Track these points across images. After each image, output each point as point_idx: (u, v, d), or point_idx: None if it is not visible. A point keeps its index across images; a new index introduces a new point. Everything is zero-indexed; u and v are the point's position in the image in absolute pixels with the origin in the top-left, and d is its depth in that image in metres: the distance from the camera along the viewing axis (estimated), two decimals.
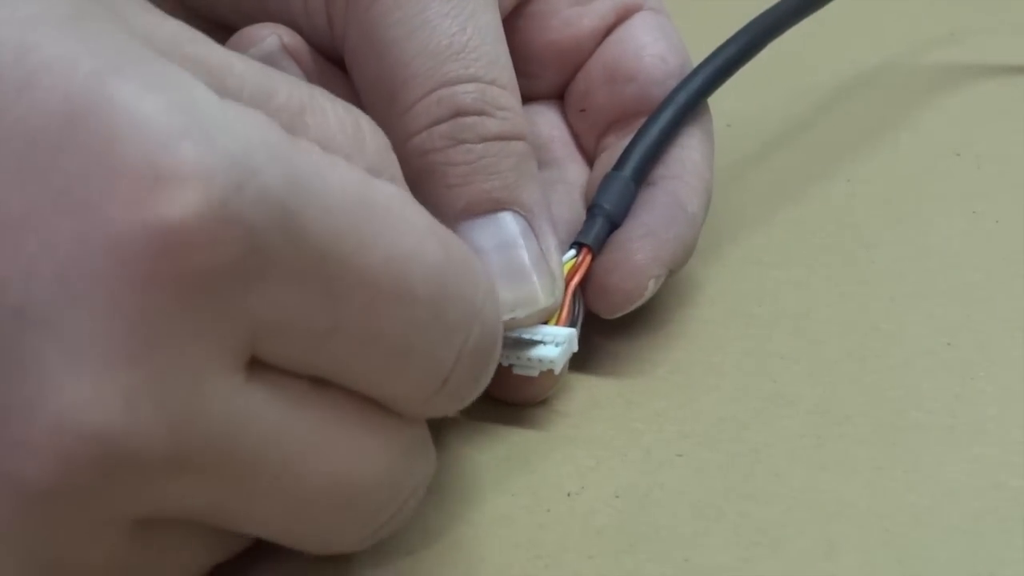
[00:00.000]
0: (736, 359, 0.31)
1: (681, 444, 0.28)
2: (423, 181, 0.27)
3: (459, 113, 0.27)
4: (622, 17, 0.34)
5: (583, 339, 0.28)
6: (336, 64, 0.29)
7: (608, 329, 0.31)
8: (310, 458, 0.21)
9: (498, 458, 0.27)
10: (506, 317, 0.27)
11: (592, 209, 0.30)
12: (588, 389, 0.30)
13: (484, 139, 0.27)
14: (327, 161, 0.21)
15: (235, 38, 0.28)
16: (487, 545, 0.25)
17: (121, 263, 0.18)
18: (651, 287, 0.30)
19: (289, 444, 0.21)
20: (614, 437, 0.28)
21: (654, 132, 0.32)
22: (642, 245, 0.30)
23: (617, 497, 0.26)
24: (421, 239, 0.22)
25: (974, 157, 0.40)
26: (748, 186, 0.38)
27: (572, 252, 0.30)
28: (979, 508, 0.25)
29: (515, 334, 0.27)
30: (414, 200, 0.23)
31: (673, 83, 0.33)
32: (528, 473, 0.27)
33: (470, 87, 0.27)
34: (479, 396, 0.24)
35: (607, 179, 0.31)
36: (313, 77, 0.29)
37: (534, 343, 0.27)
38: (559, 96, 0.34)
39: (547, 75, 0.34)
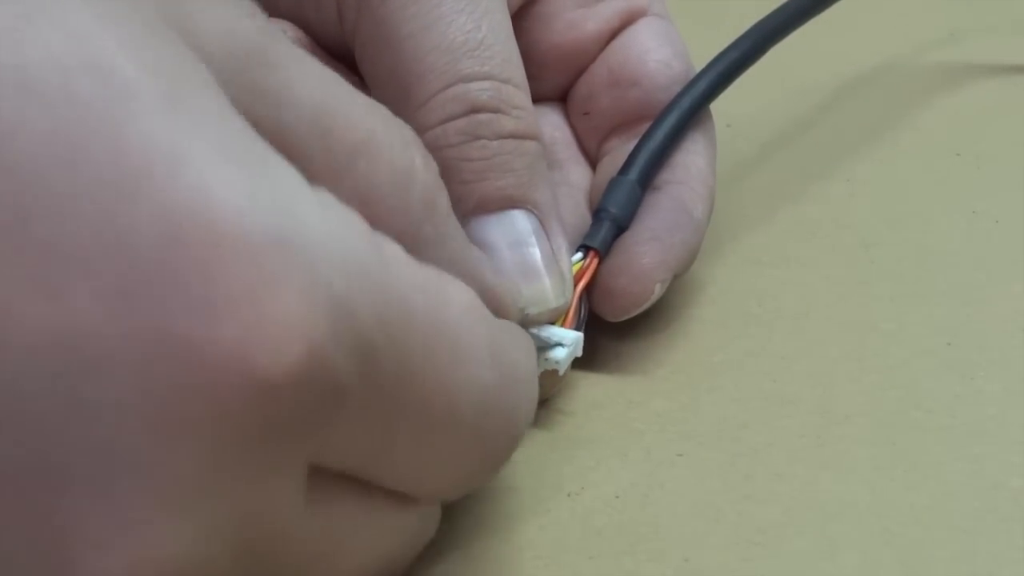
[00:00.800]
0: (736, 359, 0.31)
1: (681, 444, 0.28)
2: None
3: (475, 110, 0.27)
4: (626, 22, 0.34)
5: (586, 339, 0.28)
6: (344, 61, 0.29)
7: (609, 329, 0.31)
8: (346, 548, 0.21)
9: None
10: (531, 311, 0.27)
11: (598, 213, 0.30)
12: (589, 389, 0.30)
13: (499, 136, 0.28)
14: (411, 285, 0.20)
15: None
16: (487, 545, 0.25)
17: (217, 412, 0.17)
18: (657, 291, 0.30)
19: (328, 541, 0.21)
20: (614, 437, 0.28)
21: (659, 136, 0.32)
22: (648, 249, 0.30)
23: (617, 497, 0.26)
24: (479, 362, 0.21)
25: (974, 157, 0.40)
26: (748, 186, 0.38)
27: (579, 255, 0.30)
28: (979, 508, 0.25)
29: None
30: (483, 307, 0.22)
31: (677, 88, 0.33)
32: (528, 473, 0.27)
33: (486, 84, 0.27)
34: None
35: (613, 183, 0.31)
36: None
37: (540, 342, 0.27)
38: (561, 98, 0.35)
39: (550, 77, 0.34)
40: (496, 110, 0.27)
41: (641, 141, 0.32)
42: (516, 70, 0.28)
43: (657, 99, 0.33)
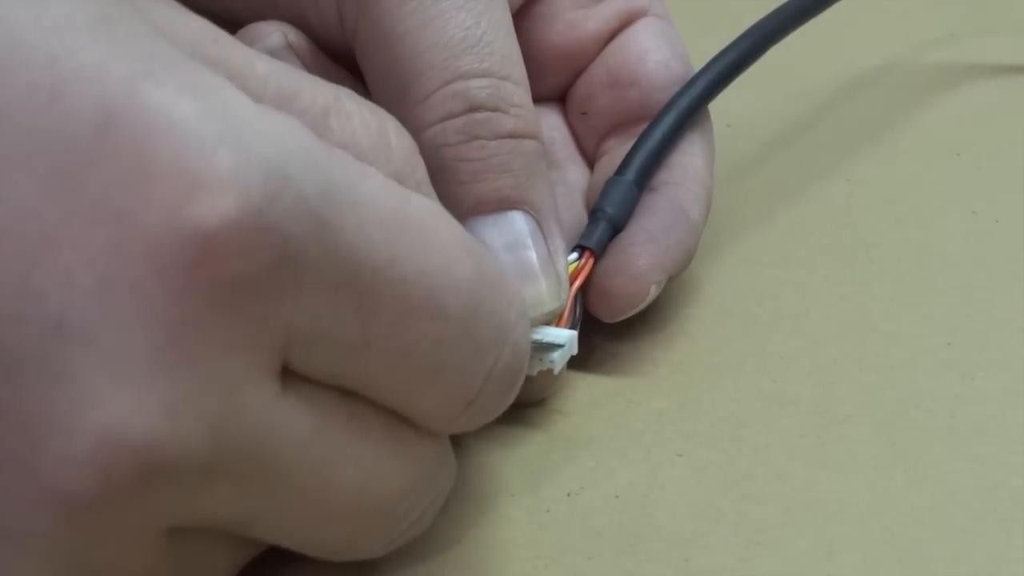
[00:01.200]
0: (736, 359, 0.31)
1: (681, 444, 0.28)
2: (434, 176, 0.27)
3: (473, 108, 0.27)
4: (626, 22, 0.34)
5: (583, 339, 0.28)
6: (343, 62, 0.29)
7: (608, 329, 0.31)
8: (337, 468, 0.21)
9: (498, 458, 0.27)
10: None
11: (595, 213, 0.30)
12: (588, 389, 0.30)
13: (498, 136, 0.27)
14: (362, 172, 0.21)
15: (239, 35, 0.28)
16: (487, 545, 0.25)
17: (159, 272, 0.18)
18: (652, 292, 0.30)
19: (319, 453, 0.21)
20: (614, 437, 0.28)
21: (656, 137, 0.32)
22: (644, 250, 0.30)
23: (617, 497, 0.26)
24: (455, 254, 0.22)
25: (974, 157, 0.40)
26: (748, 186, 0.38)
27: (574, 255, 0.30)
28: (979, 508, 0.25)
29: None
30: (448, 214, 0.22)
31: (676, 89, 0.33)
32: (528, 473, 0.27)
33: (485, 82, 0.27)
34: None
35: (610, 183, 0.31)
36: (317, 76, 0.28)
37: (535, 343, 0.27)
38: (560, 99, 0.35)
39: (549, 77, 0.34)
40: (495, 108, 0.27)
41: (638, 141, 0.32)
42: (516, 67, 0.28)
43: (655, 99, 0.33)
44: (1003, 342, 0.31)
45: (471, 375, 0.22)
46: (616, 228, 0.30)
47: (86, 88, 0.19)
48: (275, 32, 0.28)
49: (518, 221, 0.28)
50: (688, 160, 0.32)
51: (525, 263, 0.27)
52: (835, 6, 0.37)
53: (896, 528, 0.25)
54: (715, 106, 0.34)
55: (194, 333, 0.19)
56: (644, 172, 0.31)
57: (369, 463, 0.22)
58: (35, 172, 0.18)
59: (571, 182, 0.33)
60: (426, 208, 0.22)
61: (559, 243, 0.28)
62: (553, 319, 0.28)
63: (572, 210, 0.32)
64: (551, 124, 0.34)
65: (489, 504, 0.26)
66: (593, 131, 0.34)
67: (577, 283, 0.29)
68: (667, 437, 0.28)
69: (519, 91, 0.28)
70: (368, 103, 0.23)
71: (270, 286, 0.19)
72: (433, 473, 0.23)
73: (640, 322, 0.32)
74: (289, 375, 0.21)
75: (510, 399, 0.24)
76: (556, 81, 0.34)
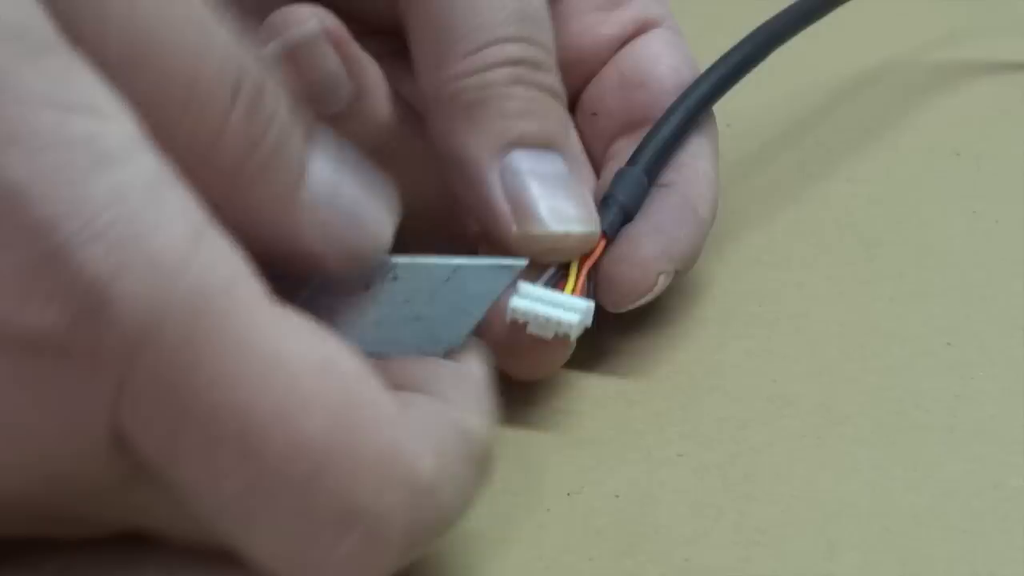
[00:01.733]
0: (736, 359, 0.31)
1: (681, 444, 0.28)
2: (475, 111, 0.28)
3: (524, 62, 0.29)
4: (640, 31, 0.34)
5: (585, 338, 0.28)
6: (373, 35, 0.30)
7: (609, 329, 0.31)
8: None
9: (498, 458, 0.27)
10: (560, 229, 0.28)
11: (606, 199, 0.30)
12: (589, 389, 0.30)
13: (540, 87, 0.29)
14: (231, 282, 0.20)
15: (274, 16, 0.29)
16: (487, 544, 0.25)
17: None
18: (660, 283, 0.30)
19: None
20: (614, 437, 0.28)
21: (666, 131, 0.32)
22: (652, 240, 0.30)
23: (617, 497, 0.26)
24: (303, 403, 0.20)
25: (974, 157, 0.40)
26: (748, 186, 0.38)
27: None
28: (979, 508, 0.25)
29: (536, 293, 0.27)
30: (350, 373, 0.21)
31: (680, 89, 0.33)
32: (528, 473, 0.27)
33: (533, 47, 0.29)
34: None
35: (620, 173, 0.31)
36: (352, 65, 0.29)
37: (554, 305, 0.27)
38: (571, 103, 0.35)
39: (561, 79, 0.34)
40: (537, 66, 0.29)
41: (648, 135, 0.32)
42: (552, 45, 0.30)
43: (663, 102, 0.33)
44: (1003, 342, 0.31)
45: (300, 549, 0.20)
46: (626, 215, 0.30)
47: None
48: (312, 19, 0.28)
49: (556, 158, 0.29)
50: (697, 163, 0.33)
51: (562, 192, 0.28)
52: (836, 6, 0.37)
53: (896, 528, 0.25)
54: (716, 107, 0.34)
55: (17, 415, 0.20)
56: (653, 164, 0.31)
57: None
58: None
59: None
60: (309, 352, 0.20)
61: (588, 191, 0.30)
62: (587, 247, 0.29)
63: None
64: None
65: (489, 504, 0.26)
66: (601, 132, 0.34)
67: (589, 262, 0.29)
68: (667, 437, 0.28)
69: (553, 63, 0.30)
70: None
71: (86, 388, 0.20)
72: None
73: (641, 322, 0.32)
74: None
75: None
76: (567, 83, 0.34)
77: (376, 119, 0.30)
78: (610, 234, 0.30)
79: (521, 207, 0.28)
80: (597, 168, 0.34)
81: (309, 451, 0.20)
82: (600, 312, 0.31)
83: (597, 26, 0.34)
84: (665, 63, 0.33)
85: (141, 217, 0.19)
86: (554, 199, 0.28)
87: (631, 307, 0.30)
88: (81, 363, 0.19)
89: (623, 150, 0.33)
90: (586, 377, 0.30)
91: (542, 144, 0.29)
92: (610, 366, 0.30)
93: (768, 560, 0.24)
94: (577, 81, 0.34)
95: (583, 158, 0.34)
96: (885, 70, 0.46)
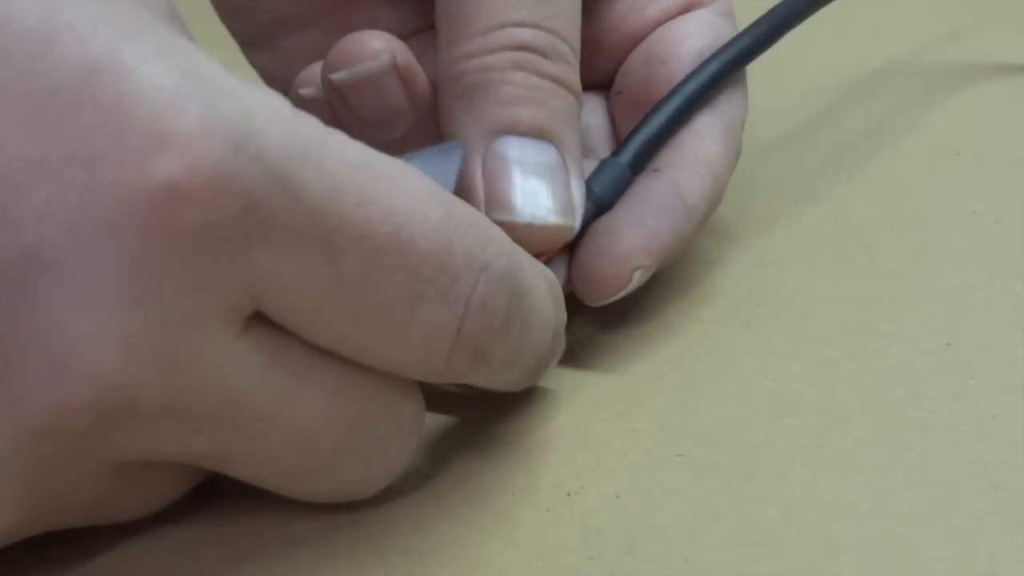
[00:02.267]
0: (736, 359, 0.31)
1: (681, 444, 0.28)
2: (474, 93, 0.28)
3: (524, 47, 0.28)
4: (684, 10, 0.34)
5: (583, 337, 0.28)
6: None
7: (609, 328, 0.32)
8: (285, 410, 0.22)
9: (498, 458, 0.27)
10: (526, 220, 0.28)
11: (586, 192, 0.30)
12: (588, 388, 0.30)
13: (541, 75, 0.29)
14: (328, 130, 0.22)
15: (344, 44, 0.29)
16: (487, 545, 0.25)
17: (126, 214, 0.20)
18: (636, 278, 0.29)
19: (267, 396, 0.22)
20: (614, 437, 0.28)
21: (657, 121, 0.31)
22: (631, 233, 0.30)
23: (617, 497, 0.26)
24: (421, 198, 0.22)
25: (974, 157, 0.40)
26: (749, 186, 0.38)
27: None
28: (979, 508, 0.25)
29: None
30: (417, 171, 0.23)
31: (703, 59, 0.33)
32: (528, 473, 0.27)
33: (540, 32, 0.29)
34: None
35: (604, 163, 0.31)
36: (415, 98, 0.30)
37: None
38: (610, 85, 0.34)
39: (602, 60, 0.34)
40: (544, 54, 0.29)
41: (639, 124, 0.31)
42: (571, 32, 0.29)
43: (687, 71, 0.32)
44: (1003, 342, 0.31)
45: (449, 307, 0.23)
46: (601, 207, 0.30)
47: (76, 41, 0.20)
48: (385, 52, 0.29)
49: (548, 148, 0.29)
50: (700, 143, 0.32)
51: (544, 183, 0.28)
52: (836, 3, 0.37)
53: (896, 528, 0.25)
54: None
55: (156, 273, 0.20)
56: (639, 155, 0.31)
57: (317, 408, 0.23)
58: (22, 113, 0.20)
59: None
60: (393, 162, 0.23)
61: (579, 184, 0.29)
62: (560, 239, 0.28)
63: None
64: (594, 110, 0.34)
65: (489, 504, 0.26)
66: (626, 111, 0.33)
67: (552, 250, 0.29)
68: (667, 437, 0.28)
69: (568, 51, 0.29)
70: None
71: (235, 235, 0.20)
72: (394, 413, 0.24)
73: (640, 321, 0.32)
74: (256, 319, 0.21)
75: (502, 342, 0.24)
76: (608, 67, 0.34)
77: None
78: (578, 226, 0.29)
79: (494, 193, 0.28)
80: None
81: (439, 230, 0.22)
82: (600, 312, 0.31)
83: (643, 7, 0.34)
84: (690, 43, 0.33)
85: (238, 82, 0.21)
86: (532, 188, 0.28)
87: (608, 302, 0.30)
88: (234, 201, 0.20)
89: None
90: (586, 376, 0.30)
91: (535, 133, 0.29)
92: (609, 365, 0.30)
93: (768, 560, 0.24)
94: (616, 62, 0.34)
95: (609, 149, 0.34)
96: (886, 70, 0.46)
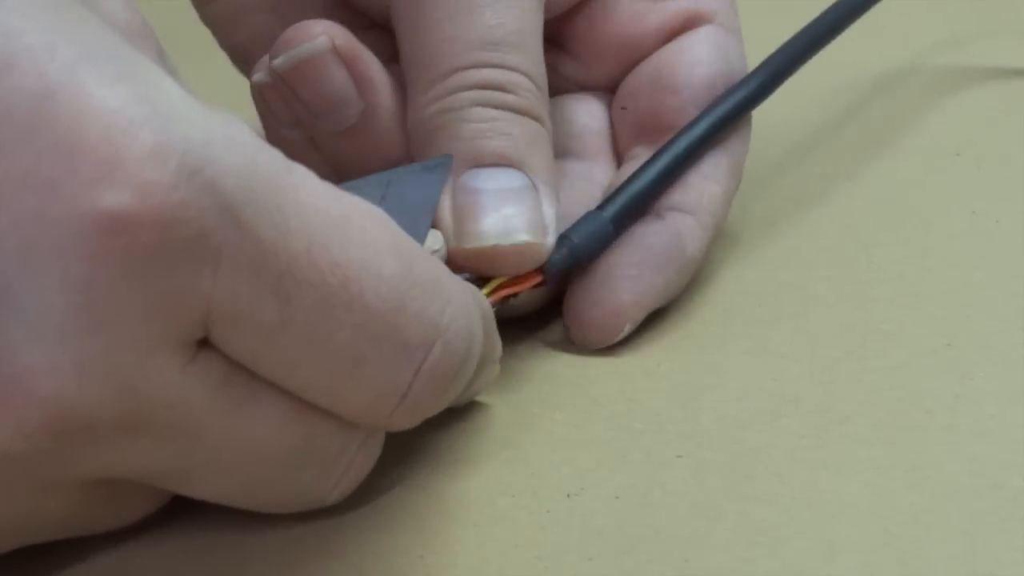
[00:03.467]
0: (736, 359, 0.31)
1: (681, 444, 0.28)
2: (437, 137, 0.28)
3: (484, 86, 0.28)
4: (689, 24, 0.34)
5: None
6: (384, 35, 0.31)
7: None
8: (233, 437, 0.22)
9: (498, 459, 0.27)
10: (490, 242, 0.28)
11: (561, 237, 0.30)
12: (588, 389, 0.29)
13: (501, 107, 0.29)
14: (289, 165, 0.22)
15: (288, 32, 0.29)
16: (487, 545, 0.25)
17: (77, 240, 0.19)
18: (627, 329, 0.31)
19: (222, 419, 0.22)
20: (614, 437, 0.28)
21: (646, 179, 0.31)
22: (628, 287, 0.30)
23: (617, 498, 0.26)
24: (378, 252, 0.22)
25: (974, 157, 0.40)
26: (749, 186, 0.38)
27: None
28: (979, 508, 0.25)
29: None
30: (387, 219, 0.23)
31: (714, 88, 0.33)
32: (528, 473, 0.27)
33: (498, 71, 0.29)
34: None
35: (588, 215, 0.31)
36: (363, 83, 0.30)
37: None
38: (610, 89, 0.34)
39: (603, 65, 0.34)
40: (502, 89, 0.29)
41: (630, 179, 0.31)
42: (530, 65, 0.29)
43: (691, 113, 0.32)
44: (1003, 342, 0.31)
45: (397, 371, 0.23)
46: (576, 259, 0.30)
47: (33, 66, 0.20)
48: (322, 35, 0.29)
49: (514, 173, 0.28)
50: (706, 186, 0.32)
51: (512, 207, 0.28)
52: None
53: (896, 528, 0.25)
54: None
55: (108, 299, 0.20)
56: (624, 212, 0.31)
57: (268, 429, 0.23)
58: None
59: (595, 178, 0.33)
60: (357, 208, 0.22)
61: (550, 208, 0.29)
62: (531, 258, 0.28)
63: (586, 203, 0.32)
64: (592, 113, 0.34)
65: (489, 504, 0.26)
66: (628, 129, 0.34)
67: (509, 290, 0.29)
68: (667, 437, 0.28)
69: (527, 82, 0.29)
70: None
71: (185, 262, 0.20)
72: (345, 431, 0.24)
73: (641, 322, 0.32)
74: (206, 344, 0.21)
75: (446, 399, 0.24)
76: (608, 71, 0.34)
77: (386, 134, 0.30)
78: (548, 273, 0.29)
79: (463, 222, 0.28)
80: (618, 162, 0.34)
81: (392, 288, 0.22)
82: None
83: (644, 15, 0.33)
84: (702, 71, 0.33)
85: (200, 109, 0.21)
86: (501, 212, 0.28)
87: (597, 347, 0.31)
88: (185, 228, 0.20)
89: (641, 155, 0.33)
90: (586, 376, 0.30)
91: (500, 161, 0.28)
92: (609, 365, 0.30)
93: (768, 560, 0.24)
94: (618, 70, 0.34)
95: (605, 154, 0.34)
96: (886, 72, 0.46)
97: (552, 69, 0.32)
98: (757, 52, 0.35)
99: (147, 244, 0.20)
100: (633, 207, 0.31)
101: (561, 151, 0.33)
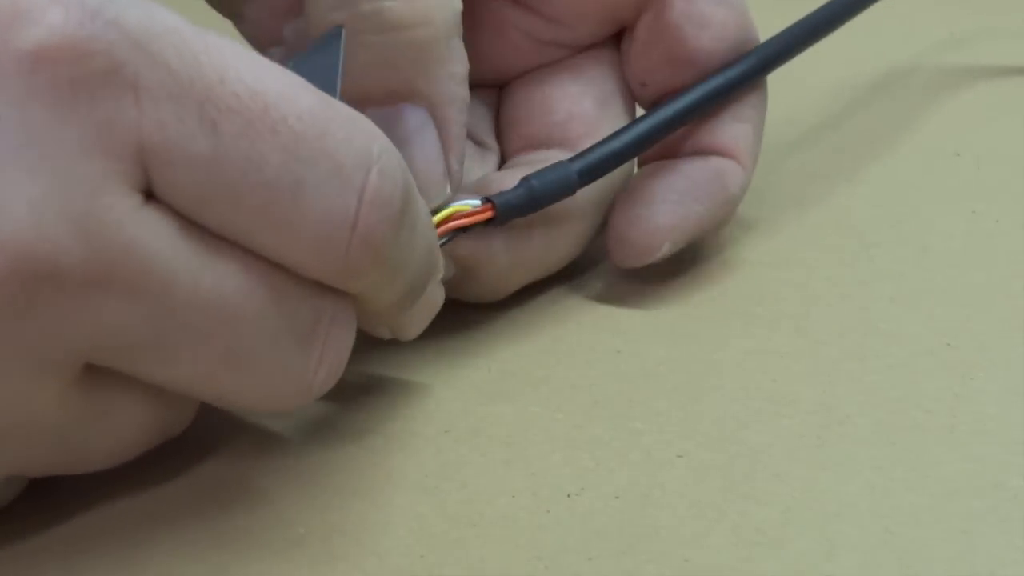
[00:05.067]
0: (736, 359, 0.31)
1: (681, 444, 0.28)
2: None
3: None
4: None
5: (584, 338, 0.28)
6: None
7: (608, 327, 0.32)
8: (199, 286, 0.22)
9: (498, 459, 0.27)
10: None
11: (524, 179, 0.30)
12: (588, 389, 0.29)
13: (383, 31, 0.28)
14: (184, 18, 0.23)
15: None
16: (487, 546, 0.25)
17: (3, 85, 0.21)
18: (665, 249, 0.32)
19: (182, 266, 0.22)
20: (614, 437, 0.28)
21: (624, 139, 0.31)
22: (670, 209, 0.32)
23: (617, 498, 0.26)
24: (293, 85, 0.23)
25: (974, 157, 0.40)
26: (749, 187, 0.38)
27: (476, 201, 0.29)
28: (979, 508, 0.25)
29: None
30: (279, 68, 0.23)
31: (731, 56, 0.33)
32: (528, 473, 0.27)
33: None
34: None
35: (556, 164, 0.31)
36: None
37: None
38: (619, 34, 0.34)
39: (585, 24, 0.34)
40: None
41: (609, 137, 0.32)
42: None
43: (711, 71, 0.33)
44: (1003, 342, 0.31)
45: (339, 197, 0.23)
46: (534, 200, 0.30)
47: None
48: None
49: (405, 116, 0.28)
50: (740, 129, 0.33)
51: (408, 158, 0.27)
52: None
53: (896, 528, 0.25)
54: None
55: (44, 135, 0.21)
56: (592, 169, 0.31)
57: (236, 282, 0.23)
58: None
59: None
60: (257, 55, 0.23)
61: (455, 134, 0.29)
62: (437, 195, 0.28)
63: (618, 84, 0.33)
64: (574, 96, 0.34)
65: (489, 504, 0.26)
66: (653, 99, 0.34)
67: (456, 223, 0.29)
68: (667, 437, 0.28)
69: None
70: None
71: (106, 91, 0.21)
72: (314, 300, 0.24)
73: (640, 321, 0.32)
74: (153, 198, 0.22)
75: (400, 247, 0.24)
76: (591, 30, 0.34)
77: None
78: (500, 209, 0.29)
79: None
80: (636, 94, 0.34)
81: (312, 115, 0.23)
82: (599, 312, 0.31)
83: None
84: (709, 35, 0.33)
85: None
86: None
87: (635, 266, 0.32)
88: (98, 59, 0.21)
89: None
90: (586, 376, 0.30)
91: (388, 99, 0.28)
92: (610, 365, 0.30)
93: (768, 560, 0.24)
94: (604, 28, 0.34)
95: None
96: (886, 71, 0.46)
97: (531, 37, 0.33)
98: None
99: (67, 77, 0.21)
100: (605, 164, 0.31)
101: (545, 140, 0.33)
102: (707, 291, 0.33)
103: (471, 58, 0.29)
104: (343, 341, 0.25)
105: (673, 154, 0.33)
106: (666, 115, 0.32)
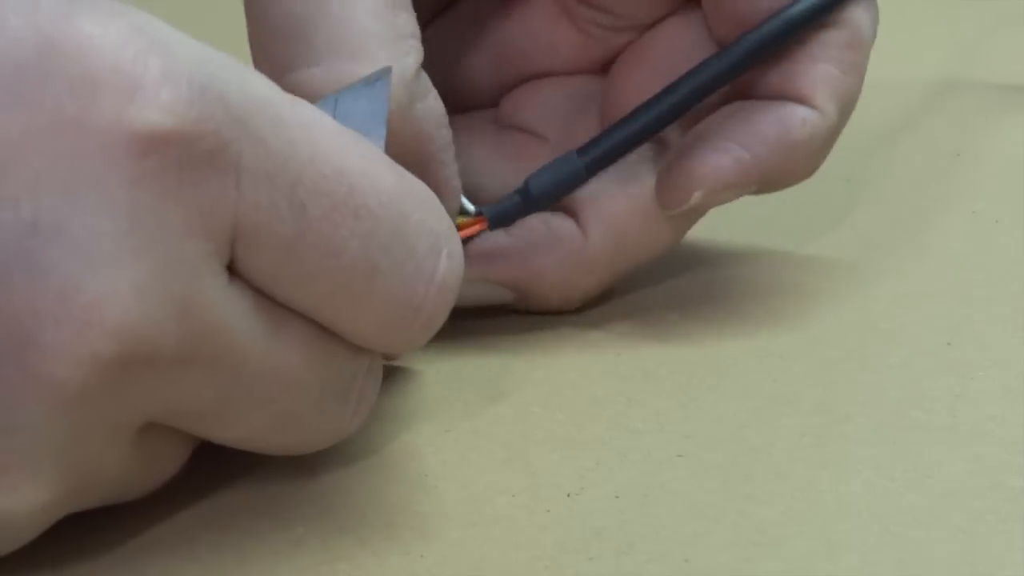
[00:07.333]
0: (736, 359, 0.31)
1: (681, 444, 0.28)
2: None
3: None
4: None
5: (584, 338, 0.28)
6: None
7: (607, 328, 0.32)
8: (275, 358, 0.23)
9: (498, 459, 0.27)
10: None
11: (523, 185, 0.30)
12: (588, 389, 0.29)
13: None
14: (276, 86, 0.23)
15: None
16: (487, 546, 0.25)
17: (113, 167, 0.20)
18: (697, 197, 0.30)
19: (259, 342, 0.23)
20: (614, 437, 0.28)
21: (629, 131, 0.30)
22: (710, 157, 0.29)
23: (617, 497, 0.26)
24: (373, 162, 0.23)
25: (974, 157, 0.40)
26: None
27: (472, 208, 0.29)
28: (979, 508, 0.25)
29: None
30: (363, 139, 0.24)
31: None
32: (528, 473, 0.27)
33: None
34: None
35: (561, 159, 0.30)
36: None
37: None
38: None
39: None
40: None
41: (622, 121, 0.30)
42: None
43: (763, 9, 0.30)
44: (1003, 342, 0.31)
45: (411, 282, 0.23)
46: (534, 204, 0.30)
47: (23, 20, 0.21)
48: None
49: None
50: (818, 70, 0.30)
51: None
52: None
53: (896, 528, 0.25)
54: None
55: (150, 219, 0.21)
56: (601, 160, 0.30)
57: (298, 353, 0.23)
58: None
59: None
60: (342, 128, 0.23)
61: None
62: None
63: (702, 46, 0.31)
64: (573, 97, 0.33)
65: (489, 504, 0.26)
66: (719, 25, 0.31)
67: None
68: (667, 437, 0.28)
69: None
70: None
71: (212, 172, 0.21)
72: (355, 358, 0.24)
73: (640, 321, 0.32)
74: (234, 272, 0.22)
75: (448, 310, 0.24)
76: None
77: None
78: (490, 220, 0.29)
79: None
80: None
81: (392, 198, 0.23)
82: (599, 312, 0.31)
83: None
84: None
85: (186, 37, 0.22)
86: None
87: (674, 213, 0.30)
88: (208, 140, 0.21)
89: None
90: (586, 376, 0.30)
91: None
92: (610, 365, 0.30)
93: (768, 560, 0.24)
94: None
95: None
96: (886, 72, 0.46)
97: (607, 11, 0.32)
98: None
99: (176, 160, 0.21)
100: (616, 153, 0.30)
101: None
102: (707, 291, 0.33)
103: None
104: (374, 389, 0.25)
105: (747, 96, 0.31)
106: (683, 94, 0.30)
